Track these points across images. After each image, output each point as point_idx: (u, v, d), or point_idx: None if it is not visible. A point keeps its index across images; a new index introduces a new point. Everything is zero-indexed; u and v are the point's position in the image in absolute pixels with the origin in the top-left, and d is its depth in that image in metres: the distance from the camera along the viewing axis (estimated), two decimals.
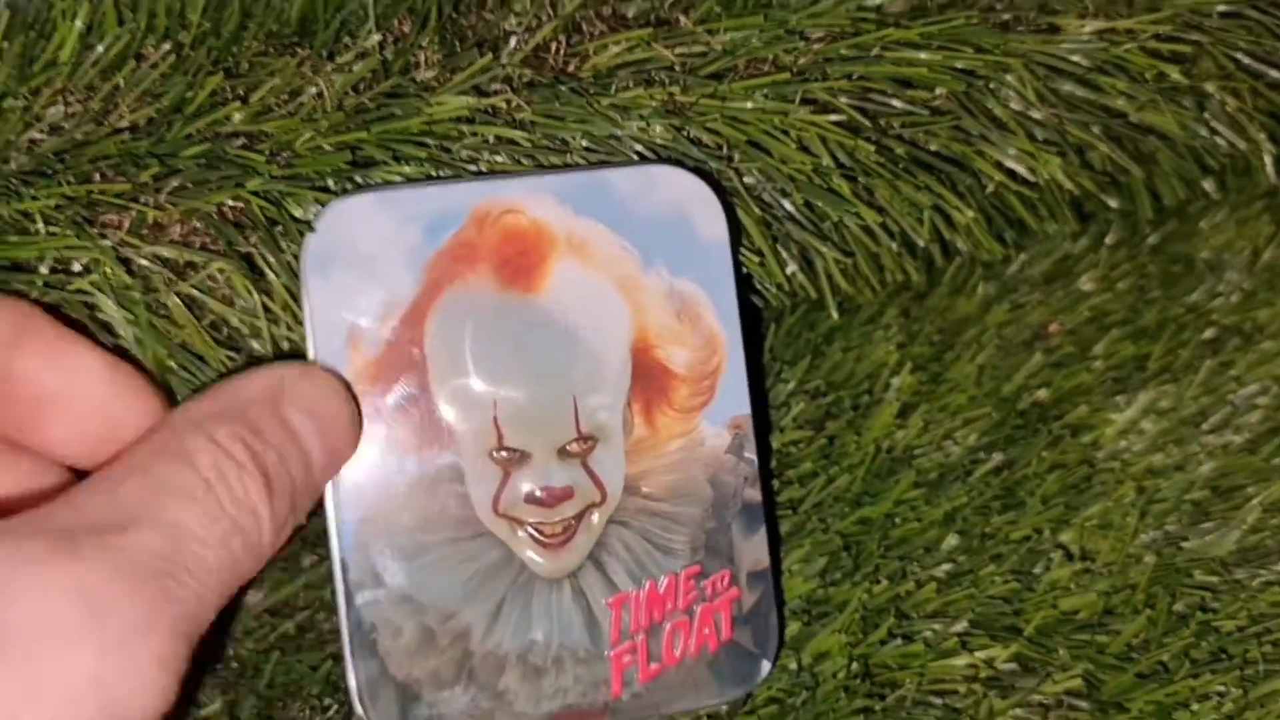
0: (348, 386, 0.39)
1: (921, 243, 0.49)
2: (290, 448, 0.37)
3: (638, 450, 0.41)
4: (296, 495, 0.36)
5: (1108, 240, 0.56)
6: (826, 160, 0.45)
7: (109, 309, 0.41)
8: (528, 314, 0.40)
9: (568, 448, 0.40)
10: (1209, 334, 0.54)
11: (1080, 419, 0.50)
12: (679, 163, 0.43)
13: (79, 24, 0.42)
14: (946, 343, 0.52)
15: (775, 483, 0.48)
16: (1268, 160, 0.53)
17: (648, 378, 0.41)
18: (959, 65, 0.46)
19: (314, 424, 0.37)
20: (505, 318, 0.40)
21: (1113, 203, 0.54)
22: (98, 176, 0.41)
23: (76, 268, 0.41)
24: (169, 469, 0.34)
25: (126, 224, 0.40)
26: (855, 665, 0.43)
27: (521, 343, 0.40)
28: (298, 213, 0.41)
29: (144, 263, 0.41)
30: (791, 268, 0.48)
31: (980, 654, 0.44)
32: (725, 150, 0.45)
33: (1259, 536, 0.48)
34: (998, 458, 0.49)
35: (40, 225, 0.40)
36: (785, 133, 0.45)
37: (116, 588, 0.31)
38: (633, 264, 0.41)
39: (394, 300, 0.39)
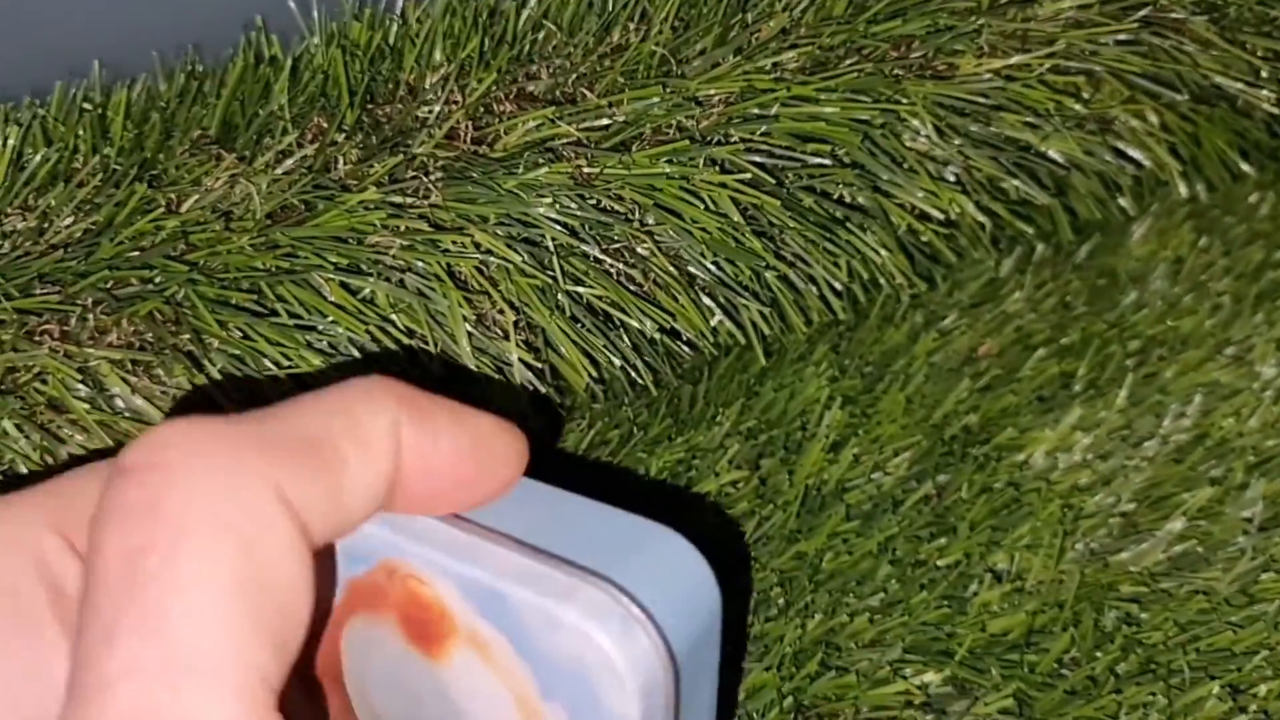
0: None
1: (839, 286, 0.50)
2: None
3: None
4: None
5: (1034, 260, 0.57)
6: (736, 218, 0.46)
7: (74, 407, 0.42)
8: (427, 677, 0.35)
9: None
10: (1134, 346, 0.54)
11: (1008, 441, 0.51)
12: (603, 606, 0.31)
13: (11, 143, 0.43)
14: (877, 374, 0.53)
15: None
16: (1176, 177, 0.53)
17: None
18: (858, 116, 0.47)
19: None
20: (406, 669, 0.35)
21: (1029, 229, 0.54)
22: (37, 290, 0.42)
23: (25, 377, 0.42)
24: None
25: (59, 332, 0.42)
26: (788, 701, 0.44)
27: (418, 699, 0.35)
28: (224, 316, 0.43)
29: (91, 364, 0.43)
30: (717, 318, 0.49)
31: (914, 680, 0.45)
32: (637, 214, 0.46)
33: (1186, 545, 0.49)
34: (928, 485, 0.50)
35: None
36: (694, 194, 0.46)
37: None
38: (531, 689, 0.34)
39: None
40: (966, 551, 0.48)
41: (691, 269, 0.47)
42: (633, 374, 0.49)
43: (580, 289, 0.46)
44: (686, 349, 0.50)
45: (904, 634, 0.46)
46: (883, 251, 0.49)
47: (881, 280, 0.52)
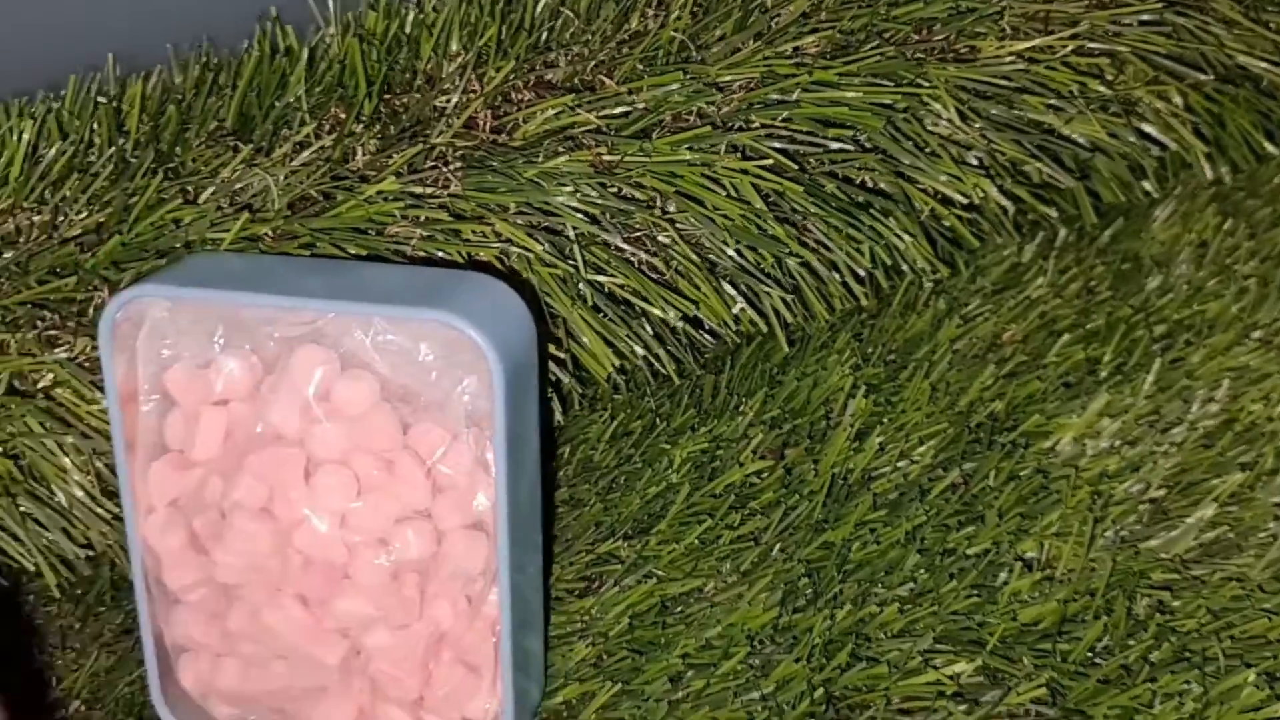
0: None
1: (862, 272, 0.49)
2: None
3: None
4: None
5: (1056, 245, 0.55)
6: (759, 205, 0.45)
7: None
8: None
9: None
10: (1160, 331, 0.53)
11: (1035, 427, 0.50)
12: None
13: (26, 138, 0.43)
14: (900, 362, 0.52)
15: (737, 515, 0.47)
16: (1201, 158, 0.52)
17: None
18: (881, 100, 0.46)
19: None
20: None
21: (1052, 212, 0.53)
22: (49, 289, 0.41)
23: (43, 381, 0.41)
24: None
25: (79, 344, 0.41)
26: (819, 693, 0.43)
27: None
28: None
29: None
30: (739, 305, 0.48)
31: (945, 670, 0.44)
32: (658, 202, 0.45)
33: (1217, 532, 0.47)
34: (955, 473, 0.48)
35: (7, 338, 0.40)
36: (715, 181, 0.45)
37: None
38: None
39: None
40: (995, 540, 0.47)
41: (713, 256, 0.46)
42: (655, 364, 0.48)
43: (601, 278, 0.45)
44: (708, 338, 0.49)
45: (934, 624, 0.45)
46: (905, 237, 0.48)
47: (904, 266, 0.51)
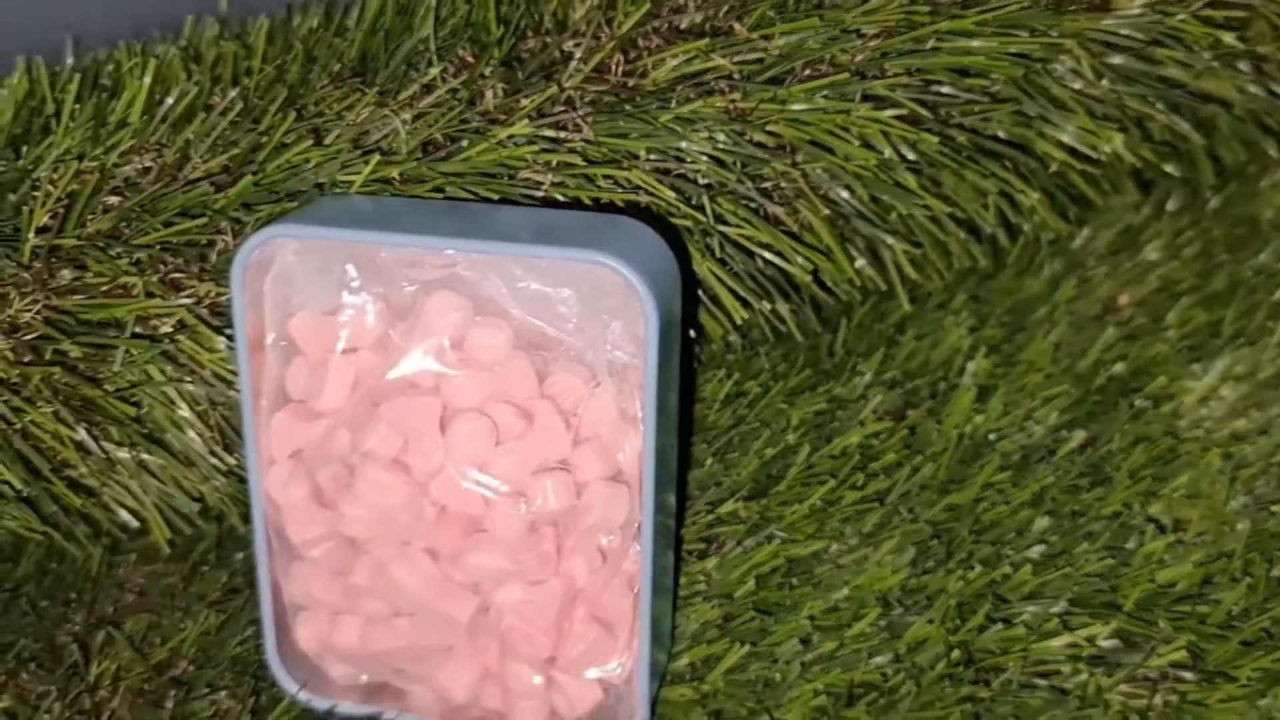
0: None
1: (988, 229, 0.47)
2: None
3: None
4: None
5: (1170, 208, 0.54)
6: (890, 154, 0.44)
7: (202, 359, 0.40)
8: None
9: None
10: None
11: (1159, 389, 0.49)
12: None
13: (147, 80, 0.41)
14: (1018, 323, 0.51)
15: (860, 476, 0.46)
16: None
17: None
18: (1014, 50, 0.45)
19: None
20: None
21: (1173, 171, 0.52)
22: (175, 230, 0.40)
23: (166, 326, 0.40)
24: None
25: (203, 289, 0.40)
26: (956, 653, 0.42)
27: None
28: None
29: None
30: (860, 262, 0.47)
31: (1082, 632, 0.43)
32: (788, 150, 0.44)
33: None
34: (1080, 435, 0.47)
35: (135, 281, 0.39)
36: (847, 130, 0.44)
37: None
38: None
39: None
40: (1126, 502, 0.46)
41: (838, 208, 0.45)
42: (774, 322, 0.47)
43: (728, 228, 0.44)
44: (826, 295, 0.48)
45: (1068, 586, 0.44)
46: (1032, 193, 0.47)
47: (1024, 226, 0.50)
